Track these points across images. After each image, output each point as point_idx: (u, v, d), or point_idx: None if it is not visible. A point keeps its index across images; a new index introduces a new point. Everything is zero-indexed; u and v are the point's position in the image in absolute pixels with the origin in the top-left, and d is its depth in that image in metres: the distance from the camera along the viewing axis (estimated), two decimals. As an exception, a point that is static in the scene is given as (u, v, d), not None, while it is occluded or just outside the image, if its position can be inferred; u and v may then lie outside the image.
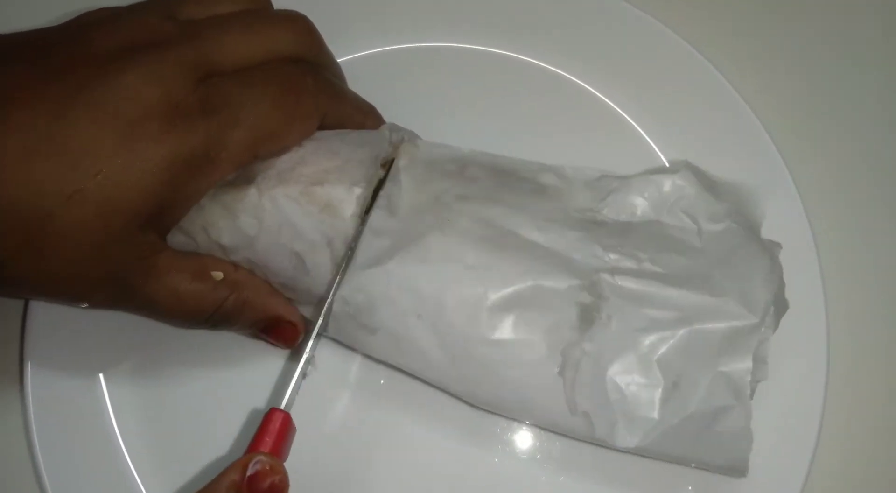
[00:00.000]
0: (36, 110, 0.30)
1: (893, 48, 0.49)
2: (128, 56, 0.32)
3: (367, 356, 0.39)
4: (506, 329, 0.36)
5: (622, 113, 0.46)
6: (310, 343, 0.37)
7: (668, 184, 0.41)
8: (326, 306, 0.37)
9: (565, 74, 0.46)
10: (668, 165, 0.45)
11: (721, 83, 0.45)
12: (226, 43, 0.34)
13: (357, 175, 0.36)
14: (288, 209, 0.35)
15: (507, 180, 0.41)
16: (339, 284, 0.36)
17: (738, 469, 0.37)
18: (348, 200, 0.36)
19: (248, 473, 0.32)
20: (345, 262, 0.36)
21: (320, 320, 0.37)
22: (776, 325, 0.37)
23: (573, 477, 0.40)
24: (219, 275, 0.36)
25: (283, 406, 0.35)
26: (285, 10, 0.37)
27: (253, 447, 0.33)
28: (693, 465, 0.38)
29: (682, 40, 0.45)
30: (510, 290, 0.36)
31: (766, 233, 0.40)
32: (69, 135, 0.30)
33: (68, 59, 0.32)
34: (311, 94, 0.36)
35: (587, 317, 0.37)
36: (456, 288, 0.36)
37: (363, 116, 0.39)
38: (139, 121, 0.31)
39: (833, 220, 0.45)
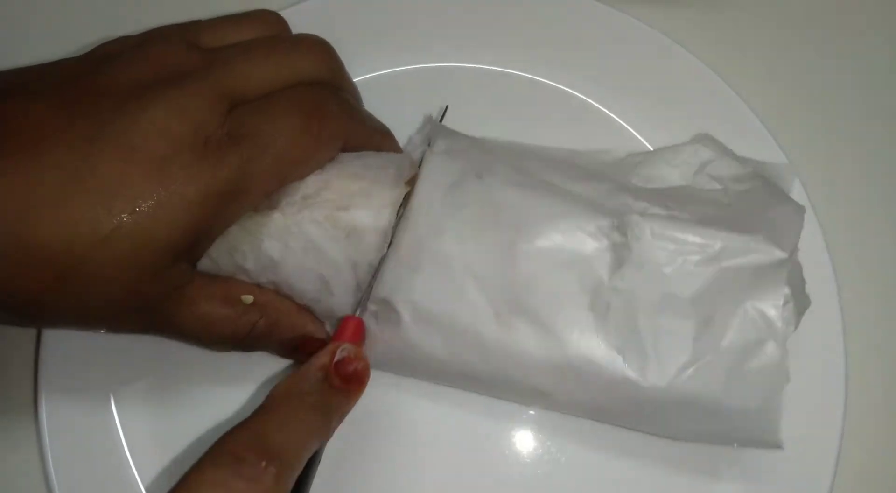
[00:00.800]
0: (65, 149, 0.30)
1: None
2: (153, 90, 0.32)
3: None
4: (539, 269, 0.37)
5: (629, 128, 0.46)
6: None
7: (693, 151, 0.43)
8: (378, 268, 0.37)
9: (577, 93, 0.46)
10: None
11: (720, 85, 0.46)
12: (250, 71, 0.34)
13: (382, 199, 0.36)
14: (313, 234, 0.36)
15: (541, 153, 0.43)
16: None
17: (770, 420, 0.36)
18: (374, 225, 0.36)
19: (336, 358, 0.35)
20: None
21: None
22: (797, 322, 0.37)
23: (612, 461, 0.41)
24: (248, 298, 0.36)
25: (357, 313, 0.37)
26: (305, 35, 0.37)
27: (338, 335, 0.36)
28: (720, 431, 0.37)
29: (682, 48, 0.46)
30: (543, 229, 0.37)
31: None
32: (100, 174, 0.30)
33: (94, 95, 0.31)
34: (334, 118, 0.36)
35: (618, 256, 0.37)
36: (491, 230, 0.37)
37: (381, 138, 0.40)
38: (170, 157, 0.31)
39: (842, 216, 0.46)
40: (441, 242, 0.37)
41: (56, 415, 0.40)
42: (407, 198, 0.37)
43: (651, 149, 0.45)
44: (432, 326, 0.37)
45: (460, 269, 0.37)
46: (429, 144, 0.40)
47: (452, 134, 0.41)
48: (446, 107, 0.44)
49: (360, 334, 0.37)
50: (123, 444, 0.40)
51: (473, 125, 0.44)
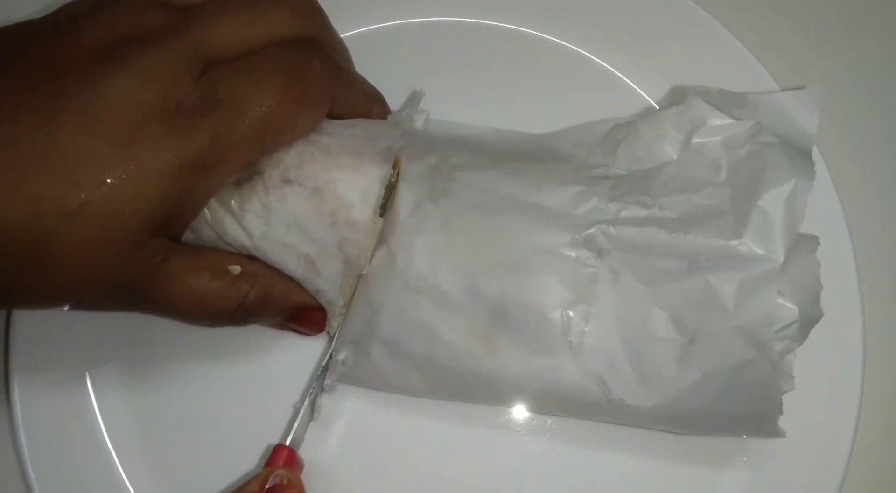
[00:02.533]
0: (22, 122, 0.28)
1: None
2: (118, 53, 0.29)
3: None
4: (503, 296, 0.35)
5: (628, 81, 0.44)
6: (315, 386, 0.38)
7: (676, 118, 0.38)
8: (329, 354, 0.38)
9: (571, 46, 0.45)
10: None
11: (725, 36, 0.43)
12: (224, 29, 0.31)
13: (370, 175, 0.34)
14: (297, 210, 0.33)
15: (515, 150, 0.40)
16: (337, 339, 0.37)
17: (769, 418, 0.35)
18: (361, 204, 0.34)
19: (268, 485, 0.33)
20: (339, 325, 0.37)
21: (326, 361, 0.38)
22: (804, 337, 0.35)
23: (619, 454, 0.39)
24: (236, 269, 0.34)
25: (287, 443, 0.36)
26: None
27: (271, 462, 0.35)
28: (720, 430, 0.37)
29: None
30: (504, 254, 0.35)
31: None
32: (63, 148, 0.28)
33: (52, 61, 0.29)
34: (319, 79, 0.33)
35: (590, 274, 0.35)
36: (450, 258, 0.35)
37: (370, 103, 0.37)
38: (138, 125, 0.29)
39: (857, 173, 0.44)
40: (409, 262, 0.35)
41: (29, 395, 0.38)
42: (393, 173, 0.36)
43: (649, 99, 0.43)
44: (407, 363, 0.36)
45: (429, 296, 0.35)
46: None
47: (416, 144, 0.38)
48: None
49: (293, 461, 0.36)
50: (100, 421, 0.39)
51: (468, 83, 0.43)
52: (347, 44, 0.38)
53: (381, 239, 0.36)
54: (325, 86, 0.33)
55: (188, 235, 0.34)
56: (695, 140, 0.38)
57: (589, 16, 0.44)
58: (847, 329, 0.39)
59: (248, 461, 0.38)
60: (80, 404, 0.39)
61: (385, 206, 0.37)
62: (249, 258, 0.34)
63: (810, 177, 0.35)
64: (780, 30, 0.47)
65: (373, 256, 0.36)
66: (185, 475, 0.39)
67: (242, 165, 0.32)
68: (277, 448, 0.36)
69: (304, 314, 0.36)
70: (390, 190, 0.37)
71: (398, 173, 0.37)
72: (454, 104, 0.42)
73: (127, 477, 0.38)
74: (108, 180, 0.28)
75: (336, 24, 0.36)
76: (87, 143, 0.28)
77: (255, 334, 0.38)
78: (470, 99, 0.43)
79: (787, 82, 0.42)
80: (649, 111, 0.42)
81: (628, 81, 0.44)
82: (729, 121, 0.38)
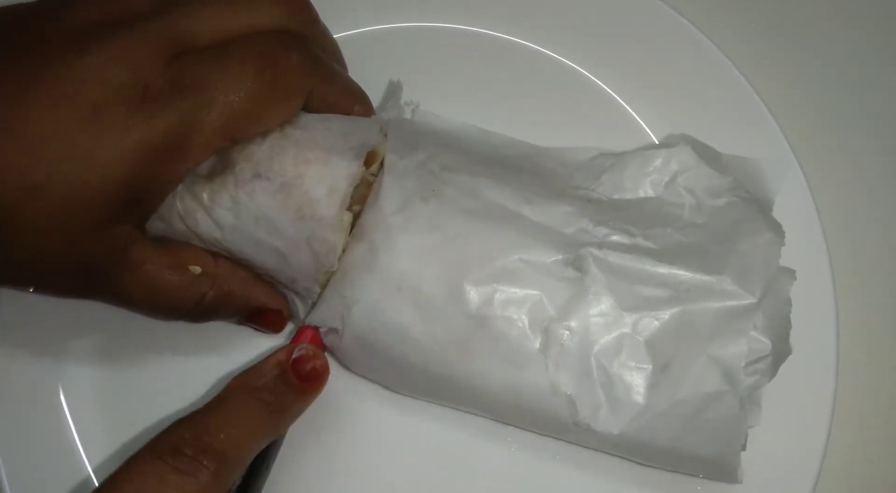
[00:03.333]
0: None
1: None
2: (96, 34, 0.30)
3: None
4: (486, 304, 0.35)
5: (616, 97, 0.44)
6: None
7: (664, 159, 0.39)
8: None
9: (561, 58, 0.44)
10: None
11: (722, 61, 0.43)
12: (202, 16, 0.32)
13: (338, 170, 0.34)
14: (265, 205, 0.33)
15: (500, 156, 0.40)
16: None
17: (729, 465, 0.35)
18: (327, 199, 0.33)
19: (294, 356, 0.34)
20: None
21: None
22: (774, 372, 0.36)
23: (580, 473, 0.39)
24: (196, 269, 0.34)
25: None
26: None
27: (296, 340, 0.36)
28: (680, 467, 0.37)
29: (681, 17, 0.43)
30: (492, 263, 0.35)
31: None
32: (29, 121, 0.28)
33: (29, 39, 0.30)
34: (295, 71, 0.33)
35: (574, 294, 0.35)
36: (436, 260, 0.35)
37: (352, 100, 0.37)
38: (105, 104, 0.29)
39: (843, 208, 0.44)
40: (393, 259, 0.35)
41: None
42: (370, 170, 0.36)
43: (637, 118, 0.43)
44: (376, 357, 0.36)
45: (409, 294, 0.35)
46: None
47: (403, 139, 0.38)
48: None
49: (317, 341, 0.36)
50: (70, 420, 0.38)
51: (461, 91, 0.42)
52: (340, 43, 0.38)
53: (362, 233, 0.35)
54: (300, 78, 0.33)
55: (160, 226, 0.34)
56: (679, 180, 0.39)
57: (589, 35, 0.44)
58: (819, 370, 0.40)
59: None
60: (49, 391, 0.38)
61: (361, 202, 0.36)
62: (214, 257, 0.34)
63: (781, 235, 0.37)
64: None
65: (352, 249, 0.35)
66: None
67: (210, 152, 0.32)
68: (303, 328, 0.36)
69: (261, 316, 0.36)
70: (367, 186, 0.36)
71: (380, 166, 0.36)
72: (442, 110, 0.41)
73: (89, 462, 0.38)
74: (71, 159, 0.28)
75: (331, 23, 0.36)
76: (54, 119, 0.28)
77: (230, 329, 0.38)
78: (459, 107, 0.42)
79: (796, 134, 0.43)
80: (642, 147, 0.43)
81: (622, 102, 0.44)
82: (711, 171, 0.39)
